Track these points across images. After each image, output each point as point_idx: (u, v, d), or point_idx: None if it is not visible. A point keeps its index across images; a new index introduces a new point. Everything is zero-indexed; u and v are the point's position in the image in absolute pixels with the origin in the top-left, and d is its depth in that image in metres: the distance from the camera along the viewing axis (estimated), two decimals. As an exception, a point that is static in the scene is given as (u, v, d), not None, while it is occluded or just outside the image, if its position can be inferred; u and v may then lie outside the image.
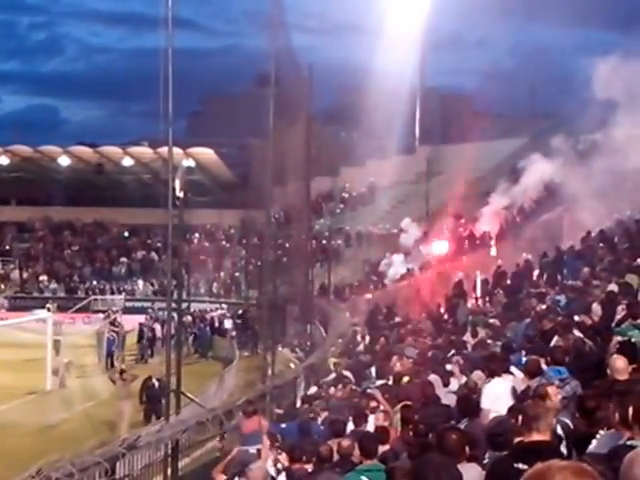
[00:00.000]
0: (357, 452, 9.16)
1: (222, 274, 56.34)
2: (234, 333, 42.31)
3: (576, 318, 14.78)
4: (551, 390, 8.80)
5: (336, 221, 53.04)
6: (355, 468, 8.78)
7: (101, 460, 13.62)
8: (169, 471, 16.84)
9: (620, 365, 8.70)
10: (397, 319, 29.66)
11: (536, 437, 5.98)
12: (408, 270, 40.79)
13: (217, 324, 44.38)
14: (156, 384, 23.64)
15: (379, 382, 16.45)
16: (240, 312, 45.71)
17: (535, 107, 37.94)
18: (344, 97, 54.93)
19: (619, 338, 11.23)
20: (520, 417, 6.28)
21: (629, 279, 17.56)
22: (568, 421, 8.78)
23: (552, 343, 13.15)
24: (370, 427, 11.23)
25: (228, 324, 44.23)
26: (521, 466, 5.55)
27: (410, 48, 50.41)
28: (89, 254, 61.18)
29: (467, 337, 19.70)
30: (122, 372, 24.72)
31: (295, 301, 37.67)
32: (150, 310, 46.17)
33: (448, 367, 14.92)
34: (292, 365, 30.39)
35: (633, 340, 10.70)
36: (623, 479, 2.88)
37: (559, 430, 8.24)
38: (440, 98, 65.11)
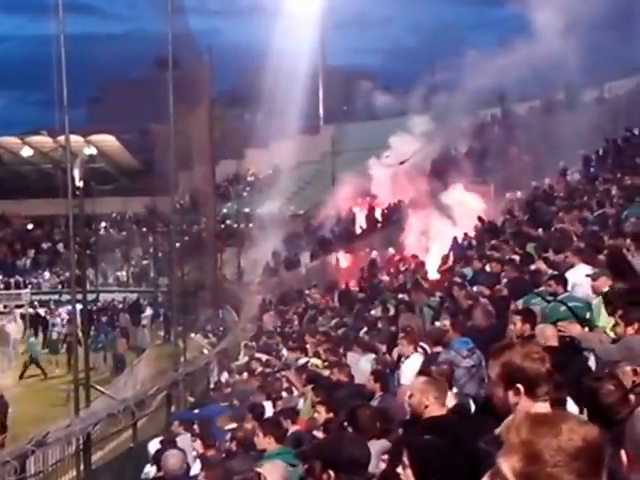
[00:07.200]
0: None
1: (131, 262, 55.50)
2: (146, 322, 41.72)
3: (475, 289, 14.82)
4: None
5: (243, 204, 52.74)
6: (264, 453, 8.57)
7: (9, 459, 13.33)
8: (82, 465, 16.55)
9: (550, 333, 8.65)
10: (307, 300, 29.64)
11: (436, 412, 6.05)
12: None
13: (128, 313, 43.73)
14: None
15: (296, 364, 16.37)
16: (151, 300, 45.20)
17: (436, 83, 38.29)
18: (247, 79, 54.47)
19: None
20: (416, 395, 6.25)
21: (530, 249, 17.78)
22: (475, 389, 8.99)
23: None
24: (270, 411, 11.14)
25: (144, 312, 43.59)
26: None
27: (313, 28, 50.28)
28: (-9, 248, 59.57)
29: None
30: None
31: (206, 286, 37.44)
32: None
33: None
34: (205, 351, 30.20)
35: (536, 308, 10.78)
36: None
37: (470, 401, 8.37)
38: (344, 76, 64.99)
